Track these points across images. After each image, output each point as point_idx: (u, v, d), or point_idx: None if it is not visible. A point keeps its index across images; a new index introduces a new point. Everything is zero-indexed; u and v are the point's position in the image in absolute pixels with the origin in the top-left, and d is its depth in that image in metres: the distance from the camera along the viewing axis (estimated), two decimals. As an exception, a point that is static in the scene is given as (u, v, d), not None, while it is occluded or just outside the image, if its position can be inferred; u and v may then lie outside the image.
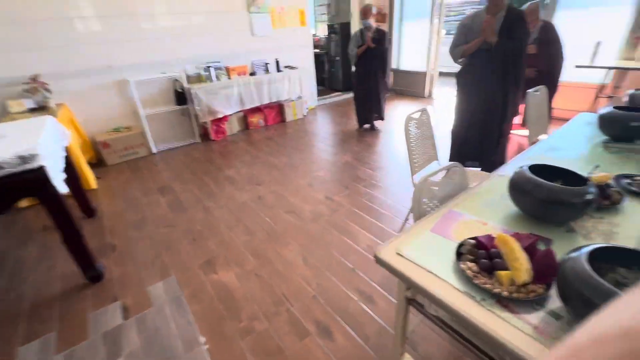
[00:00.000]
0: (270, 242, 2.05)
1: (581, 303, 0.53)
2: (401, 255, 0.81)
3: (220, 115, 3.93)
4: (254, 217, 2.33)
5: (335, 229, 2.14)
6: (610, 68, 2.96)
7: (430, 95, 5.44)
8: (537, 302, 0.65)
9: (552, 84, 2.94)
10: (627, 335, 0.11)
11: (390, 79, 5.87)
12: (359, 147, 3.54)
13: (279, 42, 4.57)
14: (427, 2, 4.91)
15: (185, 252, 2.02)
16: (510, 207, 0.96)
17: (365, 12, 3.48)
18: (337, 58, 6.10)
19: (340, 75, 6.17)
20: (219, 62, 4.04)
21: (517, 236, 0.76)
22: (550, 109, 3.03)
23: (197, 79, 3.90)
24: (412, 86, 5.60)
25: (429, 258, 0.79)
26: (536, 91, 2.02)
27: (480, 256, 0.73)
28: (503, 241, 0.72)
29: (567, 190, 0.80)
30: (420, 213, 1.01)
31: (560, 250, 0.80)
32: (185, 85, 3.76)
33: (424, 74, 5.33)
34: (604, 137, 1.41)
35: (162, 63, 3.71)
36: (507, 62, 2.05)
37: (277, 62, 4.43)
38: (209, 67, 3.87)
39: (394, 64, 5.85)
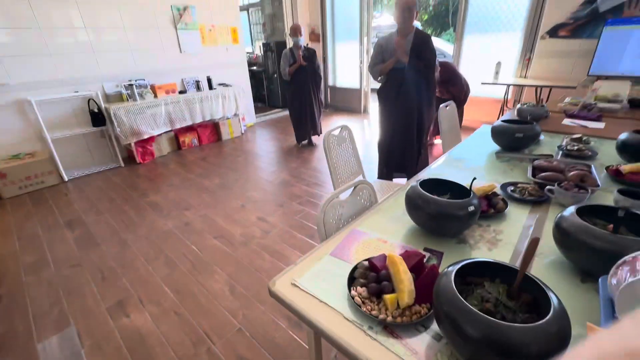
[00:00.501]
0: (195, 274, 1.88)
1: (448, 322, 0.53)
2: (296, 286, 0.76)
3: (145, 136, 3.64)
4: (178, 247, 2.13)
5: (266, 251, 2.04)
6: (508, 85, 3.37)
7: (365, 111, 5.70)
8: (421, 324, 0.64)
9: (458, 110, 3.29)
10: (632, 356, 0.11)
11: (325, 95, 6.06)
12: (296, 164, 3.52)
13: (210, 60, 4.44)
14: (356, 25, 5.19)
15: (91, 295, 1.76)
16: (410, 222, 0.98)
17: (295, 30, 3.54)
18: (275, 75, 6.12)
19: (279, 92, 6.20)
20: (143, 79, 3.77)
21: (407, 254, 0.75)
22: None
23: (118, 98, 3.59)
24: (348, 102, 5.81)
25: (325, 286, 0.76)
26: (446, 106, 2.19)
27: (370, 280, 0.71)
28: (392, 262, 0.71)
29: (452, 204, 0.83)
30: (325, 235, 0.98)
31: (449, 262, 0.81)
32: (103, 104, 3.42)
33: (358, 91, 5.57)
34: (497, 148, 1.55)
35: (75, 81, 3.34)
36: (420, 79, 2.20)
37: (209, 80, 4.29)
38: (130, 85, 3.58)
39: (330, 82, 6.05)
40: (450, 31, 10.51)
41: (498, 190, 1.13)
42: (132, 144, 3.60)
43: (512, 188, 1.12)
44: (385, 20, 10.42)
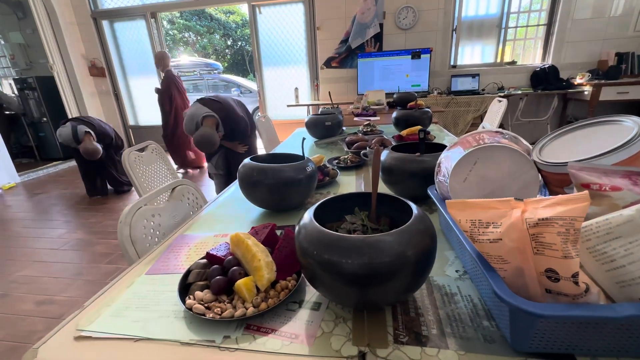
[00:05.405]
0: None
1: (324, 268, 0.40)
2: (87, 337, 0.44)
3: None
4: None
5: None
6: (307, 105, 3.94)
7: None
8: (293, 301, 0.49)
9: None
10: None
11: (127, 136, 5.19)
12: (97, 218, 2.69)
13: None
14: (150, 60, 4.75)
15: None
16: (252, 207, 0.83)
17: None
18: (44, 119, 4.68)
19: (55, 140, 4.76)
20: None
21: (254, 230, 0.59)
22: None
23: None
24: (159, 142, 5.15)
25: (144, 315, 0.47)
26: (263, 117, 2.24)
27: (213, 274, 0.50)
28: (236, 241, 0.52)
29: (290, 167, 0.74)
30: (138, 255, 0.67)
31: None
32: None
33: (169, 128, 5.05)
34: (314, 139, 1.67)
35: None
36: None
37: None
38: None
39: (131, 121, 5.22)
40: (250, 76, 11.57)
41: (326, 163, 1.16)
42: None
43: (337, 161, 1.19)
44: (185, 60, 10.20)
